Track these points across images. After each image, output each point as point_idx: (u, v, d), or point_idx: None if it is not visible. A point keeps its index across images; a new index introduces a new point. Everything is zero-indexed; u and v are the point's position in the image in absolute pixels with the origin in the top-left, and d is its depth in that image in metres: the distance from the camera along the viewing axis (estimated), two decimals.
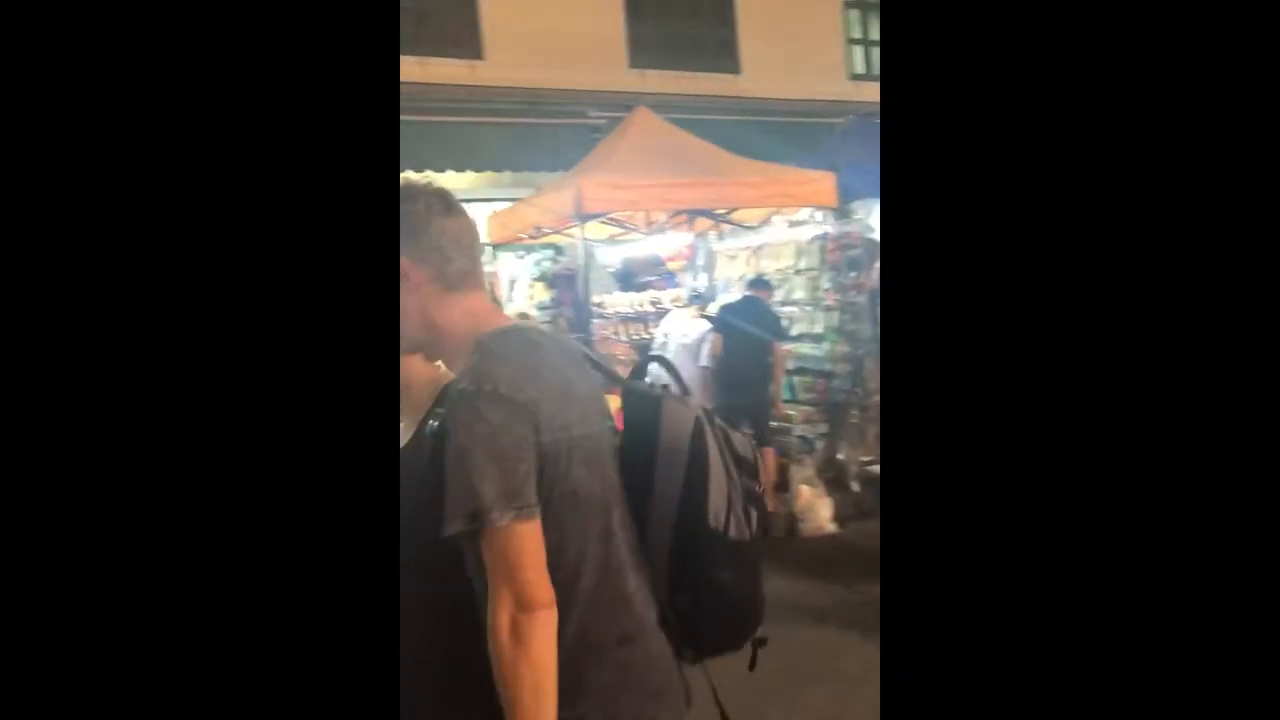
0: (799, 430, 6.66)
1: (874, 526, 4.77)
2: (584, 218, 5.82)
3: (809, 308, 7.03)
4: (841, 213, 6.67)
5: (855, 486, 6.11)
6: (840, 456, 6.30)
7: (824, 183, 6.20)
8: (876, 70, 11.85)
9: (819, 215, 6.94)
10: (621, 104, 8.11)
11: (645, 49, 10.24)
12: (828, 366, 6.77)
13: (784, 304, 7.06)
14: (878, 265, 6.21)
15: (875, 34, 11.99)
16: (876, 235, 6.50)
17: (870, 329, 6.42)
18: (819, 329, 6.90)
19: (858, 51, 12.02)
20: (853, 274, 6.66)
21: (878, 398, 6.01)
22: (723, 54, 10.76)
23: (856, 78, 11.81)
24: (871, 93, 11.04)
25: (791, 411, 6.69)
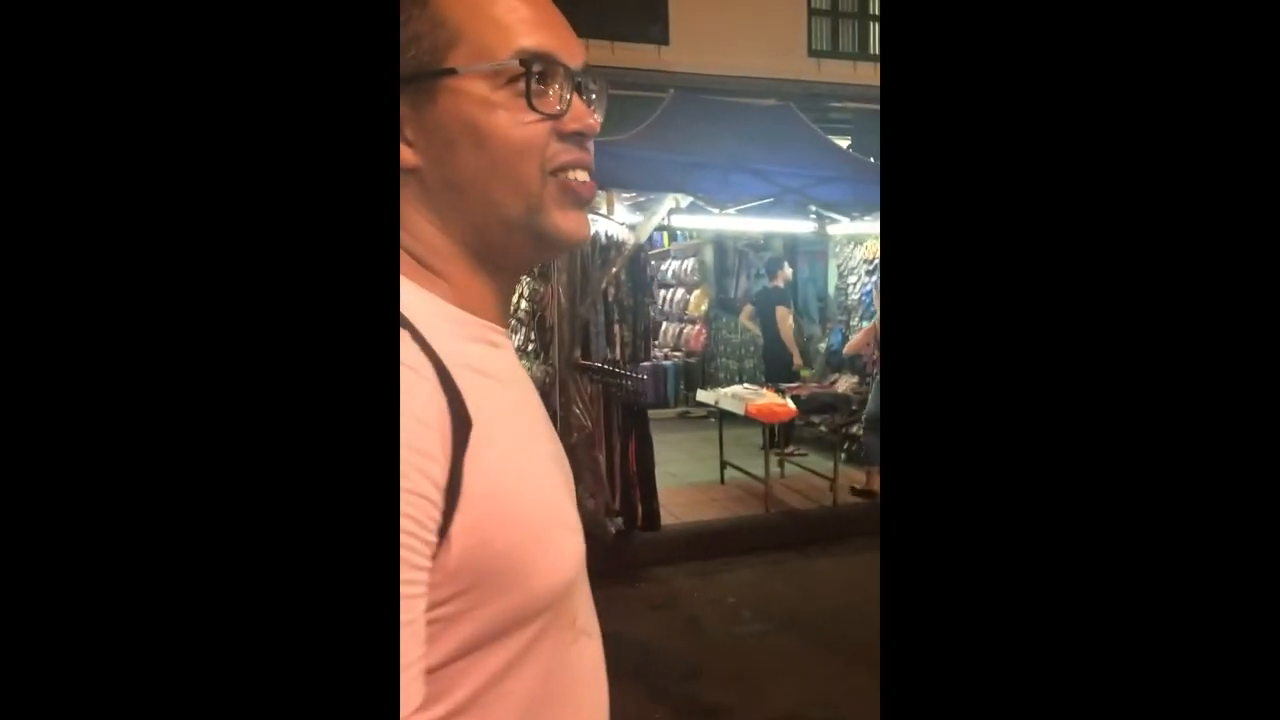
0: None
1: None
2: None
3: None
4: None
5: None
6: None
7: None
8: (844, 46, 10.15)
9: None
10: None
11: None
12: None
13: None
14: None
15: (845, 4, 10.21)
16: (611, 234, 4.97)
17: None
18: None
19: (821, 24, 10.23)
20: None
21: None
22: (648, 20, 9.06)
23: (817, 54, 10.05)
24: (833, 72, 9.98)
25: None
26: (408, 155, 0.66)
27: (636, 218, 5.14)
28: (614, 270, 4.75)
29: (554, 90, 0.67)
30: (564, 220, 0.69)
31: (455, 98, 0.65)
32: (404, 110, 0.65)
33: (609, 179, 4.50)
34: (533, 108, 0.66)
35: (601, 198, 4.84)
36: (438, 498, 0.57)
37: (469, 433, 0.60)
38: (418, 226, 0.68)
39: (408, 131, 0.66)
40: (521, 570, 0.62)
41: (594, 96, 0.71)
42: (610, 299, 4.82)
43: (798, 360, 6.82)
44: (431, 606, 0.58)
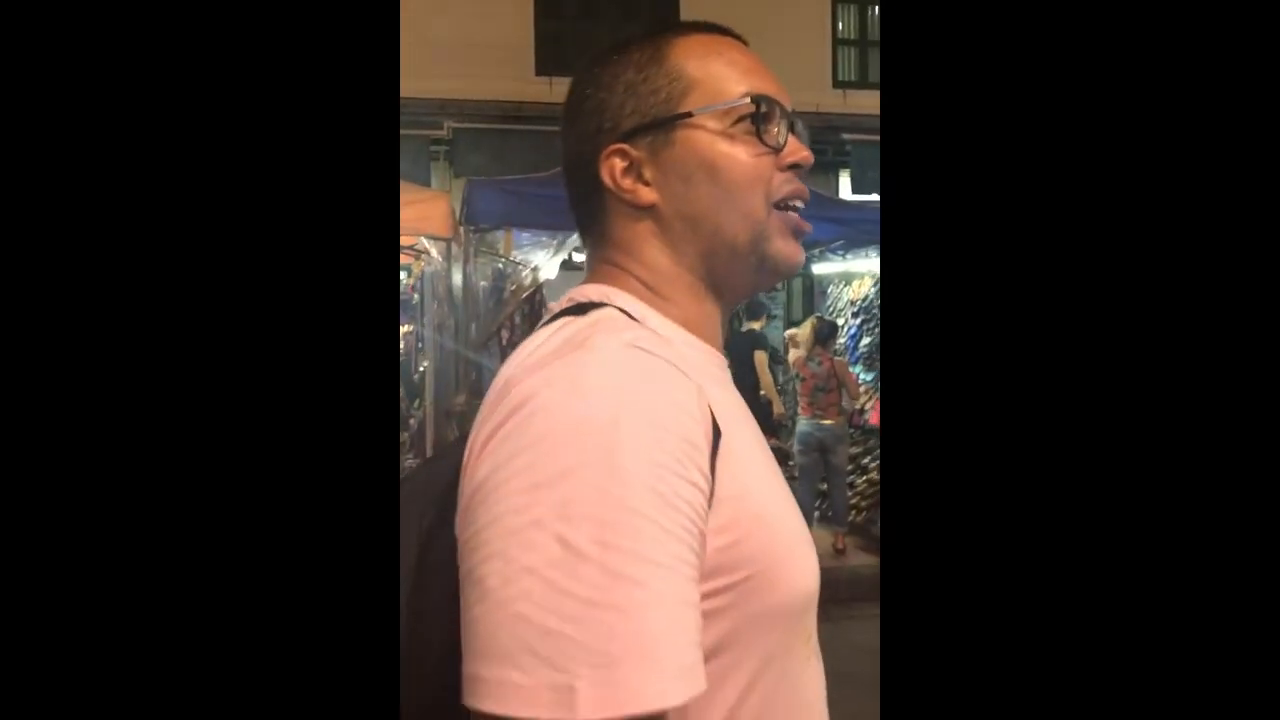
0: None
1: None
2: None
3: None
4: (458, 241, 4.61)
5: None
6: None
7: (434, 205, 4.27)
8: (870, 76, 9.62)
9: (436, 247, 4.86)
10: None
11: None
12: None
13: None
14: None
15: (872, 33, 9.71)
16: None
17: None
18: None
19: (847, 54, 9.73)
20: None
21: None
22: None
23: (843, 85, 9.55)
24: (860, 103, 9.46)
25: None
26: (646, 193, 0.74)
27: (540, 257, 4.77)
28: (509, 311, 4.42)
29: (775, 127, 0.74)
30: (785, 248, 0.76)
31: (691, 138, 0.74)
32: (643, 154, 0.74)
33: (518, 217, 4.20)
34: (761, 140, 0.74)
35: (499, 237, 4.50)
36: (707, 489, 0.60)
37: (719, 439, 0.62)
38: (652, 257, 0.75)
39: (646, 172, 0.74)
40: (771, 574, 0.64)
41: (800, 134, 0.77)
42: (505, 342, 4.47)
43: (779, 409, 6.22)
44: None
